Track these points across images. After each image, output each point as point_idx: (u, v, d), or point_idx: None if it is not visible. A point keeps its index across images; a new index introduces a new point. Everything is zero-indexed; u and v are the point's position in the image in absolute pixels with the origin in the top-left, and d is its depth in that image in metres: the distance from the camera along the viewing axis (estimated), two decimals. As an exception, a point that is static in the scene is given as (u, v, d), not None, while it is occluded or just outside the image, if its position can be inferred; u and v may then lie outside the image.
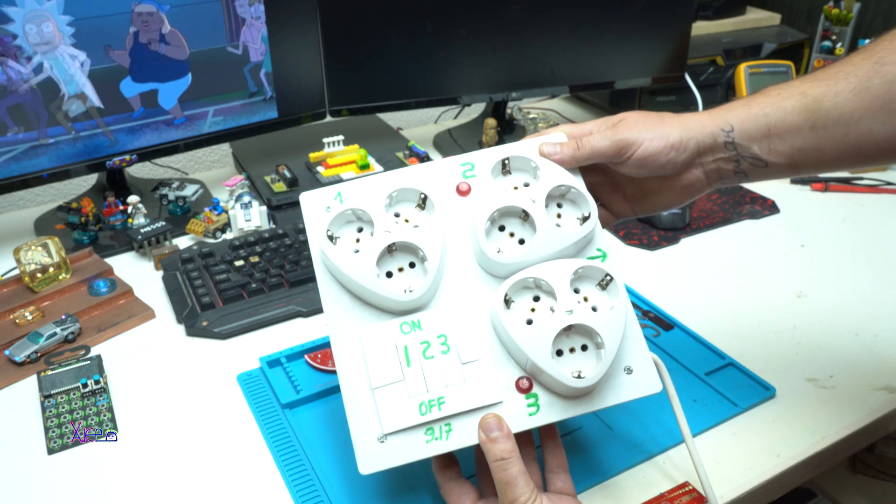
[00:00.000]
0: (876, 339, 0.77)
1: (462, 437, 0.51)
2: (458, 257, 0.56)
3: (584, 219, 0.55)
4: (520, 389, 0.52)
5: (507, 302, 0.53)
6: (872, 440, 0.69)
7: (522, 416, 0.52)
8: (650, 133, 0.55)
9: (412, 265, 0.54)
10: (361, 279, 0.52)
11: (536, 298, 0.53)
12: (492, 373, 0.52)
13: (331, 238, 0.54)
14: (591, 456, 0.62)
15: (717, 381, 0.70)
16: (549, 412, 0.52)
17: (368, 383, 0.52)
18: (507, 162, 0.57)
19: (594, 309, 0.52)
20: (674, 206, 0.61)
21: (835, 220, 1.02)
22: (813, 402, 0.69)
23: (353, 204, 0.55)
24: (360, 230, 0.55)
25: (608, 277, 0.53)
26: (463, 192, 0.57)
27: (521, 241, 0.55)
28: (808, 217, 1.02)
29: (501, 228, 0.55)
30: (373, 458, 0.51)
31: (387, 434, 0.51)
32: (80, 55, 0.90)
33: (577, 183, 0.56)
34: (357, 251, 0.53)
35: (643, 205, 0.61)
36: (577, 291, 0.53)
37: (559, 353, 0.52)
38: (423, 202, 0.56)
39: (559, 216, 0.56)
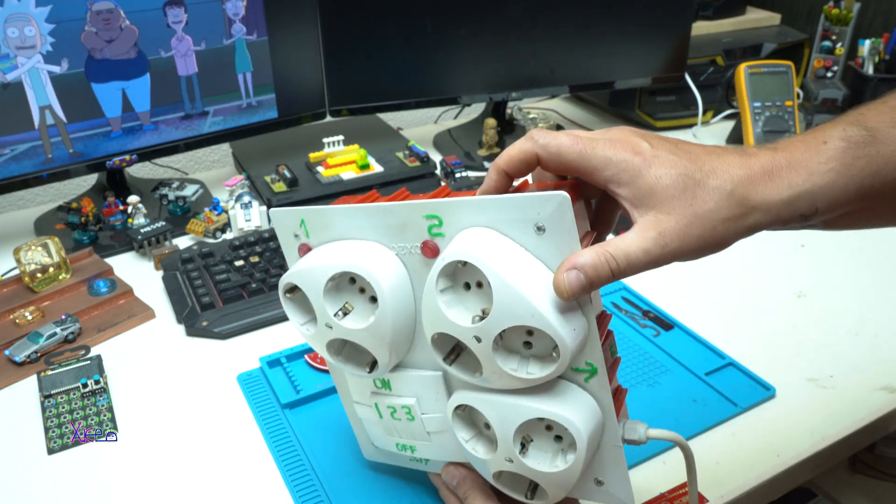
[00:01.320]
0: (876, 339, 0.77)
1: (440, 465, 0.55)
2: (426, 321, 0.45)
3: (555, 348, 0.41)
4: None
5: (456, 411, 0.48)
6: (872, 440, 0.69)
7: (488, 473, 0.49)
8: (700, 230, 0.41)
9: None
10: (323, 354, 0.51)
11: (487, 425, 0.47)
12: (456, 444, 0.50)
13: (291, 290, 0.50)
14: (591, 456, 0.62)
15: (717, 381, 0.70)
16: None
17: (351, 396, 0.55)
18: (460, 265, 0.43)
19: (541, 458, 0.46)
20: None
21: (835, 220, 1.01)
22: (813, 402, 0.69)
23: (300, 281, 0.48)
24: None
25: (568, 442, 0.44)
26: (432, 251, 0.45)
27: (478, 340, 0.42)
28: (808, 217, 1.02)
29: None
30: (372, 452, 0.57)
31: (375, 445, 0.56)
32: (53, 68, 0.90)
33: (542, 322, 0.39)
34: (311, 334, 0.50)
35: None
36: (525, 440, 0.46)
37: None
38: (365, 287, 0.47)
39: (528, 344, 0.43)
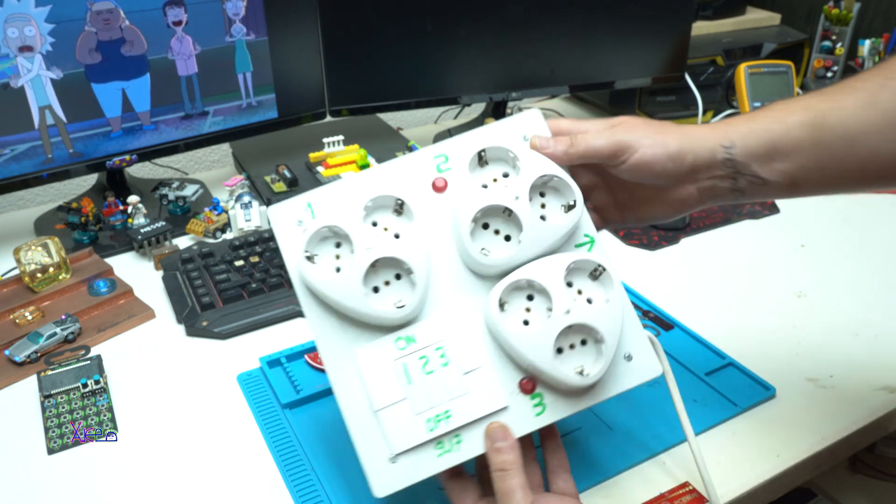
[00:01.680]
0: (876, 339, 0.77)
1: (473, 446, 0.51)
2: (442, 259, 0.53)
3: (570, 207, 0.52)
4: (524, 391, 0.52)
5: (502, 305, 0.51)
6: (872, 440, 0.69)
7: (529, 417, 0.51)
8: (649, 139, 0.53)
9: (398, 277, 0.52)
10: (348, 301, 0.50)
11: (530, 297, 0.51)
12: (494, 379, 0.51)
13: (309, 259, 0.51)
14: (591, 456, 0.62)
15: (717, 381, 0.70)
16: (555, 410, 0.52)
17: (370, 405, 0.51)
18: (483, 154, 0.54)
19: (589, 301, 0.51)
20: (664, 218, 0.59)
21: (835, 220, 1.02)
22: (813, 402, 0.69)
23: (327, 220, 0.51)
24: (339, 245, 0.52)
25: (600, 268, 0.51)
26: (440, 189, 0.54)
27: (507, 238, 0.52)
28: (808, 217, 1.02)
29: (485, 226, 0.53)
30: (386, 480, 0.50)
31: (397, 454, 0.50)
32: (54, 72, 0.90)
33: (559, 171, 0.52)
34: (339, 269, 0.51)
35: (633, 213, 0.60)
36: (570, 285, 0.52)
37: (559, 350, 0.51)
38: (400, 208, 0.53)
39: (543, 206, 0.53)
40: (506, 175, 0.54)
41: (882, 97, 0.48)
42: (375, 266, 0.51)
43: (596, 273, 0.52)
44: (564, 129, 0.56)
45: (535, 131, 0.55)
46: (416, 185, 0.54)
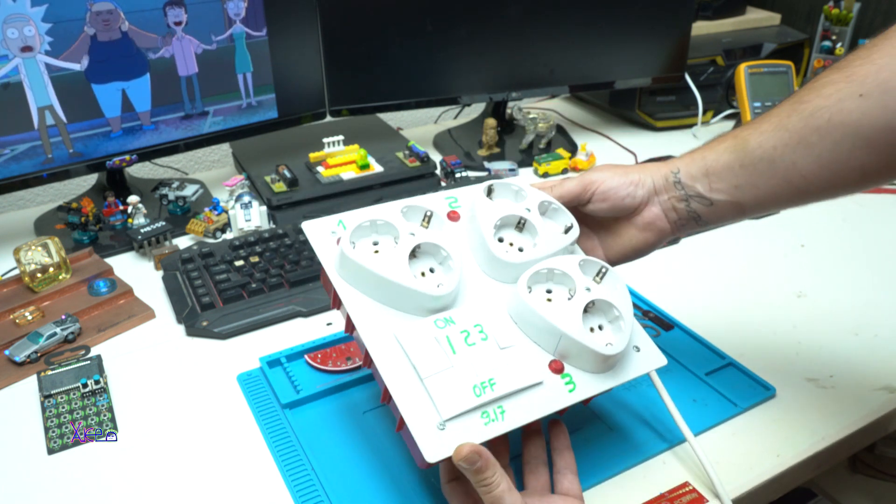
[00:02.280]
0: (876, 339, 0.77)
1: (516, 416, 0.53)
2: (465, 270, 0.59)
3: (568, 228, 0.61)
4: (554, 371, 0.55)
5: (529, 289, 0.57)
6: (872, 440, 0.69)
7: (563, 393, 0.55)
8: (611, 172, 0.63)
9: (432, 270, 0.57)
10: (396, 277, 0.54)
11: (549, 291, 0.58)
12: (528, 356, 0.55)
13: (353, 245, 0.56)
14: (591, 456, 0.63)
15: (717, 381, 0.70)
16: (585, 388, 0.55)
17: (417, 375, 0.52)
18: (491, 188, 0.62)
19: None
20: (640, 247, 0.64)
21: (835, 220, 1.02)
22: (813, 402, 0.69)
23: (371, 216, 0.57)
24: (376, 243, 0.57)
25: (604, 269, 0.58)
26: (453, 218, 0.62)
27: (521, 249, 0.60)
28: (808, 217, 1.02)
29: (500, 240, 0.60)
30: (437, 446, 0.50)
31: (445, 420, 0.51)
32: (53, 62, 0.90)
33: (555, 201, 0.62)
34: (378, 252, 0.56)
35: (613, 248, 0.65)
36: None
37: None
38: (428, 220, 0.59)
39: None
40: None
41: (791, 120, 0.55)
42: (414, 256, 0.56)
43: (601, 274, 0.59)
44: (548, 184, 0.65)
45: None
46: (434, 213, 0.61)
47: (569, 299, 0.56)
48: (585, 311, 0.56)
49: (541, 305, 0.56)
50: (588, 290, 0.57)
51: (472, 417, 0.52)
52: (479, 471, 0.50)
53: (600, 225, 0.65)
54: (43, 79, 0.91)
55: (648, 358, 0.59)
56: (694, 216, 0.61)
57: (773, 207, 0.59)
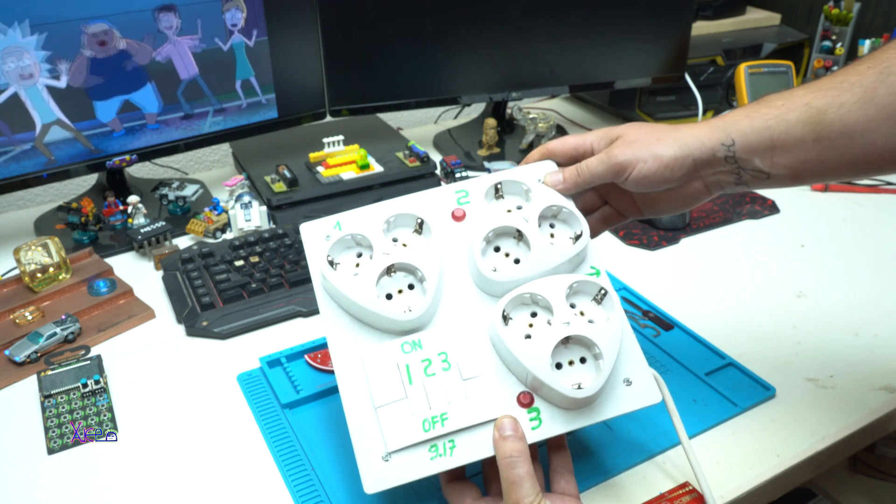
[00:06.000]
0: (876, 339, 0.77)
1: (466, 453, 0.52)
2: (455, 279, 0.57)
3: (577, 237, 0.57)
4: (521, 404, 0.53)
5: (506, 318, 0.54)
6: (872, 440, 0.69)
7: (525, 430, 0.52)
8: (645, 153, 0.56)
9: (411, 287, 0.56)
10: (362, 301, 0.53)
11: (534, 314, 0.54)
12: (493, 388, 0.53)
13: (331, 263, 0.56)
14: (591, 456, 0.62)
15: (717, 381, 0.70)
16: (551, 426, 0.52)
17: (371, 403, 0.53)
18: (499, 187, 0.59)
19: (591, 321, 0.53)
20: (681, 209, 0.62)
21: (835, 220, 1.02)
22: (813, 402, 0.69)
23: (351, 230, 0.56)
24: (360, 255, 0.57)
25: (602, 291, 0.54)
26: (458, 218, 0.59)
27: (517, 261, 0.56)
28: (808, 217, 1.02)
29: (497, 249, 0.57)
30: (378, 476, 0.51)
31: (391, 452, 0.51)
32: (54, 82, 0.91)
33: (568, 203, 0.58)
34: (357, 274, 0.54)
35: (650, 208, 0.63)
36: (573, 306, 0.55)
37: (558, 366, 0.53)
38: (419, 227, 0.58)
39: (552, 235, 0.58)
40: (519, 207, 0.59)
41: (879, 93, 0.49)
42: (391, 273, 0.55)
43: (598, 296, 0.55)
44: (570, 145, 0.61)
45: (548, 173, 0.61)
46: (437, 214, 0.59)
47: (548, 329, 0.53)
48: (567, 341, 0.53)
49: (511, 338, 0.52)
50: (567, 323, 0.52)
51: (420, 451, 0.51)
52: (507, 439, 0.49)
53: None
54: (44, 99, 0.91)
55: (639, 393, 0.54)
56: (742, 186, 0.57)
57: (833, 180, 0.55)
